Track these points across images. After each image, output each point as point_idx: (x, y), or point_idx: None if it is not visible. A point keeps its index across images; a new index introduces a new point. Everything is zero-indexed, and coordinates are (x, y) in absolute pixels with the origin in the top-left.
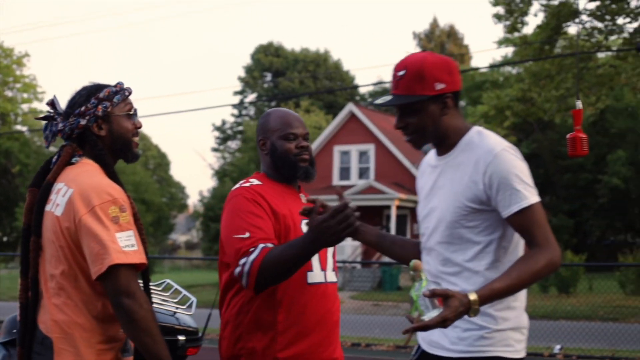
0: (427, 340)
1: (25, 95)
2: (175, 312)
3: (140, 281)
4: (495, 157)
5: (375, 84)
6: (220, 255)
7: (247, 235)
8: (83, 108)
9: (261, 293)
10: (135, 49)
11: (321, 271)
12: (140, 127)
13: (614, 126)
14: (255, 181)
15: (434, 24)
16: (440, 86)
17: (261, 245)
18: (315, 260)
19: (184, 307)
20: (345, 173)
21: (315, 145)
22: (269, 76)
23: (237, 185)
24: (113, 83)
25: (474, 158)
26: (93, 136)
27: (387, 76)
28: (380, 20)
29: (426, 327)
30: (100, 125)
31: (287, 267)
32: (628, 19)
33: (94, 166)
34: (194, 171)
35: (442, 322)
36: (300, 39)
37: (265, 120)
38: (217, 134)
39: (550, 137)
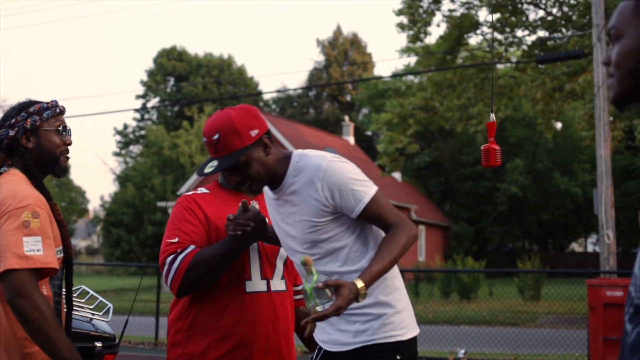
0: (327, 340)
1: None
2: (91, 319)
3: (60, 288)
4: (324, 171)
5: (279, 91)
6: None
7: (176, 240)
8: (13, 120)
9: (201, 300)
10: (37, 50)
11: (262, 280)
12: (69, 143)
13: (512, 135)
14: (202, 190)
15: (338, 31)
16: (254, 132)
17: (191, 247)
18: (255, 269)
19: (101, 313)
20: None
21: None
22: (172, 80)
23: (186, 193)
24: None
25: (307, 179)
26: (21, 147)
27: (291, 83)
28: (284, 27)
29: (323, 316)
30: (28, 137)
31: (212, 266)
32: (527, 32)
33: (19, 176)
34: (95, 175)
35: (336, 310)
36: (204, 43)
37: None
38: (118, 138)
39: (451, 146)
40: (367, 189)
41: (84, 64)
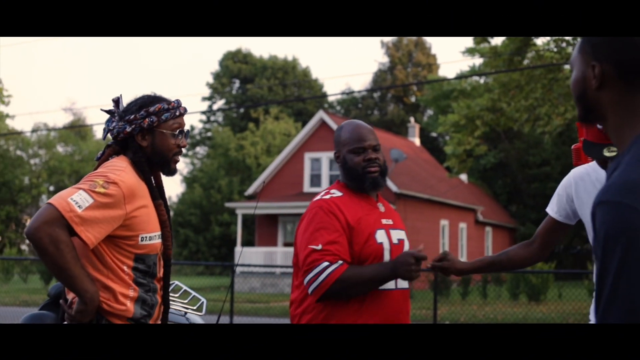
0: None
1: None
2: (186, 312)
3: (146, 277)
4: None
5: (343, 93)
6: (294, 258)
7: (319, 247)
8: (132, 116)
9: None
10: (103, 52)
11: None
12: (184, 146)
13: None
14: (336, 192)
15: None
16: None
17: (340, 262)
18: None
19: (194, 307)
20: (316, 180)
21: (285, 153)
22: (237, 83)
23: (318, 197)
24: (173, 99)
25: None
26: (135, 144)
27: (356, 85)
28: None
29: None
30: (144, 136)
31: (360, 287)
32: None
33: (124, 161)
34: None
35: None
36: (269, 46)
37: (338, 133)
38: None
39: (518, 147)
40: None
41: (152, 67)
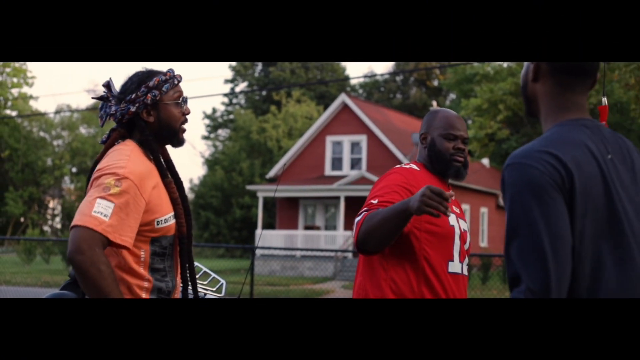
0: None
1: (15, 80)
2: (205, 294)
3: (164, 260)
4: None
5: (366, 76)
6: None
7: (376, 201)
8: (133, 95)
9: (404, 272)
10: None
11: (459, 263)
12: (188, 113)
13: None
14: (414, 166)
15: None
16: None
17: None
18: (456, 251)
19: (214, 289)
20: (337, 163)
21: (307, 136)
22: (259, 65)
23: (398, 166)
24: (164, 70)
25: None
26: (142, 122)
27: (379, 68)
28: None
29: None
30: (149, 112)
31: (380, 223)
32: None
33: (130, 146)
34: (184, 159)
35: None
36: None
37: (432, 116)
38: (207, 122)
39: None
40: None
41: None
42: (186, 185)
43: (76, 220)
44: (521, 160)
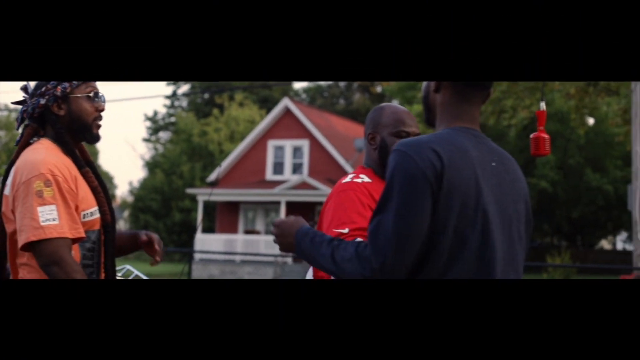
0: None
1: None
2: None
3: (92, 251)
4: None
5: (309, 81)
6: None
7: (346, 231)
8: (44, 88)
9: None
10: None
11: None
12: (102, 110)
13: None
14: (365, 178)
15: None
16: None
17: (358, 239)
18: None
19: None
20: (279, 168)
21: (249, 140)
22: None
23: (347, 179)
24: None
25: None
26: (53, 115)
27: None
28: None
29: None
30: (59, 105)
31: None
32: None
33: (44, 144)
34: (124, 161)
35: None
36: None
37: (378, 113)
38: (148, 124)
39: None
40: None
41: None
42: (126, 188)
43: (31, 236)
44: (405, 149)
